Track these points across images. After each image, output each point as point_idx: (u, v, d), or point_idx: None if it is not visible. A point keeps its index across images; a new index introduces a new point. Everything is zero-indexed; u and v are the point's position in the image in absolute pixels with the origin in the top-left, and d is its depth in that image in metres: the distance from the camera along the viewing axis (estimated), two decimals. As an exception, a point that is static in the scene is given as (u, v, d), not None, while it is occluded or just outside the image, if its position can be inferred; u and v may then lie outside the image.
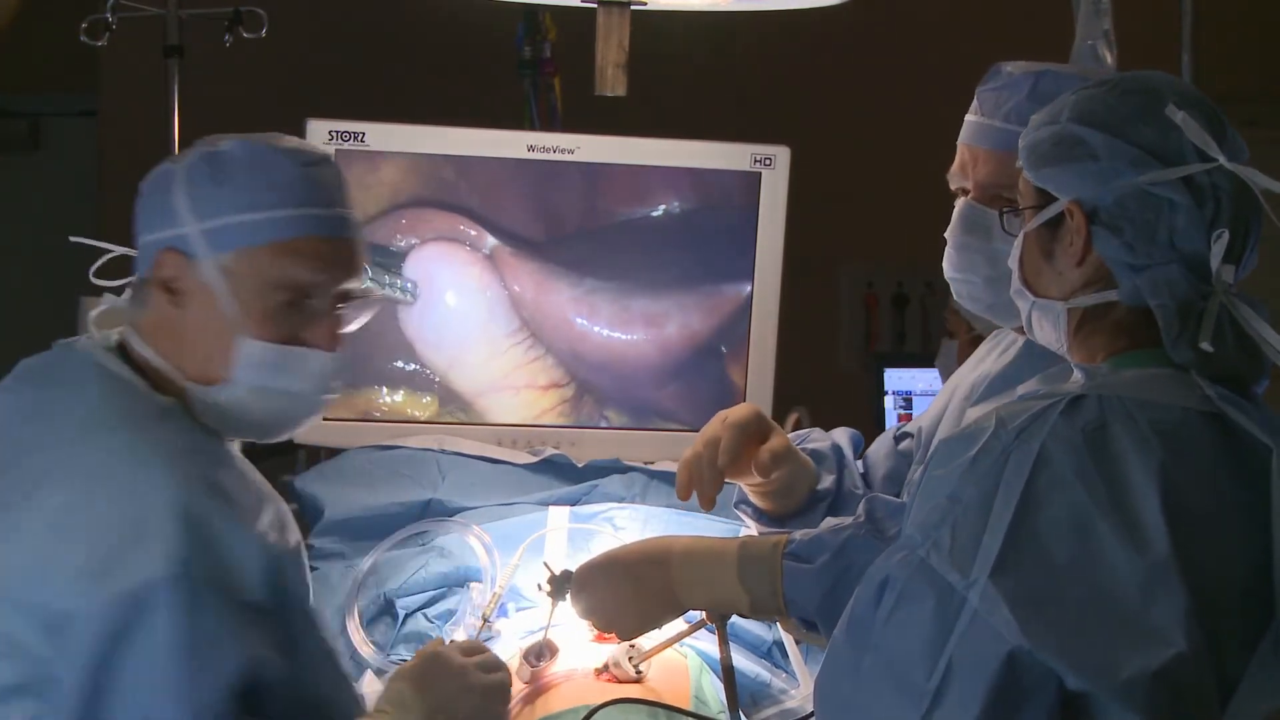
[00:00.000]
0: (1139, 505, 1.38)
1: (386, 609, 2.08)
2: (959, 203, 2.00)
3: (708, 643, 1.94)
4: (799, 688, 1.94)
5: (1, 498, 1.58)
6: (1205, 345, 1.46)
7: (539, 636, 1.89)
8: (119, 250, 1.80)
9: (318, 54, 5.58)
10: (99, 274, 1.81)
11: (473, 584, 2.09)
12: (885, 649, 1.42)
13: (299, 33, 4.91)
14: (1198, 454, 1.44)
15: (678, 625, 1.88)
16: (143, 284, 1.72)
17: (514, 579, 2.08)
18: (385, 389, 2.50)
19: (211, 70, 4.21)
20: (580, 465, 2.37)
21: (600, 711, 1.73)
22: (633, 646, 1.87)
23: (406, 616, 2.06)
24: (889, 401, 4.66)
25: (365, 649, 2.02)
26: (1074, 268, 1.56)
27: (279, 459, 3.26)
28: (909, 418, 4.60)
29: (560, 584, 1.88)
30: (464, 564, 2.12)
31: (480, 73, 4.61)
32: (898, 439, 2.21)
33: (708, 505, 2.01)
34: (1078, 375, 1.59)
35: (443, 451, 2.37)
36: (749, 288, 2.55)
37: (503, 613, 2.05)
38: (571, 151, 2.49)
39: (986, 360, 2.09)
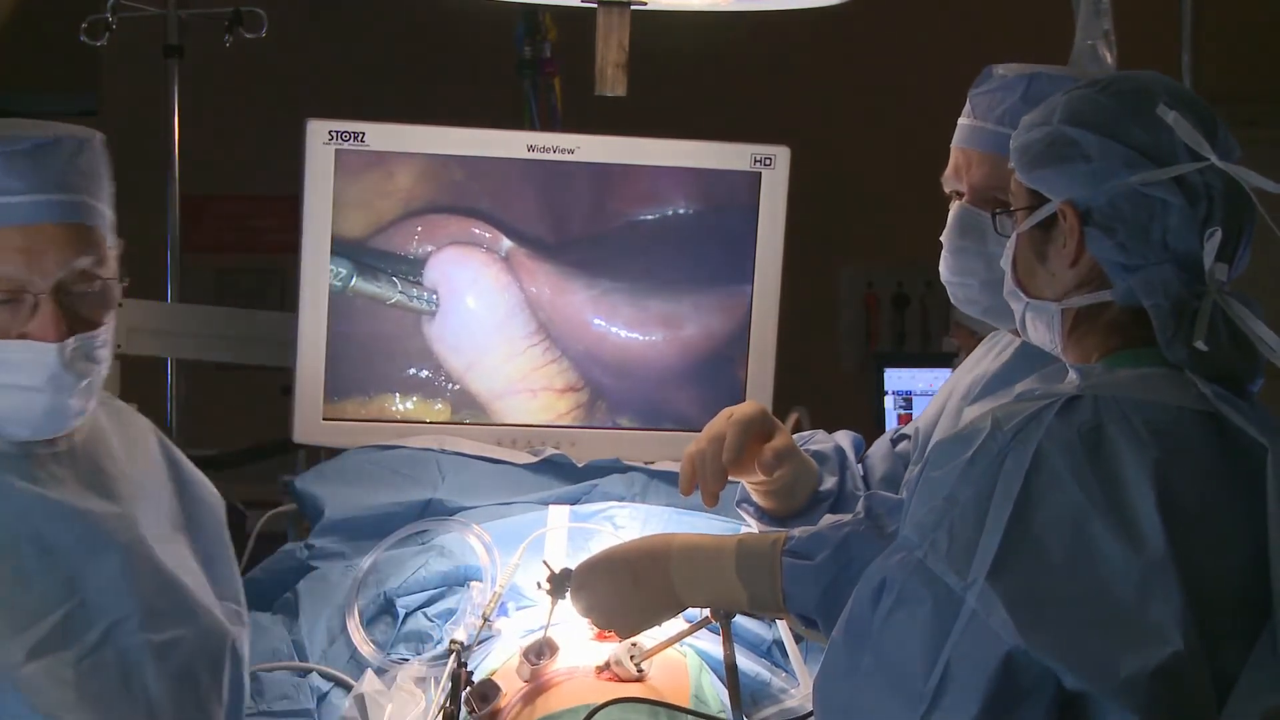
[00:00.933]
0: (1135, 505, 1.39)
1: (386, 608, 2.08)
2: (954, 206, 2.00)
3: (707, 642, 1.94)
4: (799, 687, 1.94)
5: None
6: (1200, 344, 1.47)
7: (539, 635, 1.89)
8: None
9: (318, 54, 5.58)
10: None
11: (473, 583, 2.09)
12: (883, 650, 1.42)
13: (299, 33, 4.91)
14: (1193, 453, 1.44)
15: (679, 623, 1.88)
16: None
17: (514, 578, 2.08)
18: (398, 396, 2.50)
19: (211, 70, 4.21)
20: (580, 465, 2.37)
21: (601, 710, 1.73)
22: (634, 645, 1.87)
23: (407, 615, 2.07)
24: (889, 401, 4.66)
25: (365, 648, 2.02)
26: (1067, 268, 1.56)
27: (279, 459, 3.27)
28: (909, 418, 4.60)
29: (560, 582, 1.88)
30: (464, 563, 2.12)
31: (480, 73, 4.62)
32: (894, 441, 2.22)
33: (711, 501, 2.02)
34: (1072, 376, 1.60)
35: (443, 451, 2.37)
36: (749, 288, 2.54)
37: (503, 612, 2.05)
38: (571, 151, 2.49)
39: (984, 361, 2.09)
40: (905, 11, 5.24)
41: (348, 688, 1.96)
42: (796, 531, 1.79)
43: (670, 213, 2.53)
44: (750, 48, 4.90)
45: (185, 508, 1.86)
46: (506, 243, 2.49)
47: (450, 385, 2.51)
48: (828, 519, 1.81)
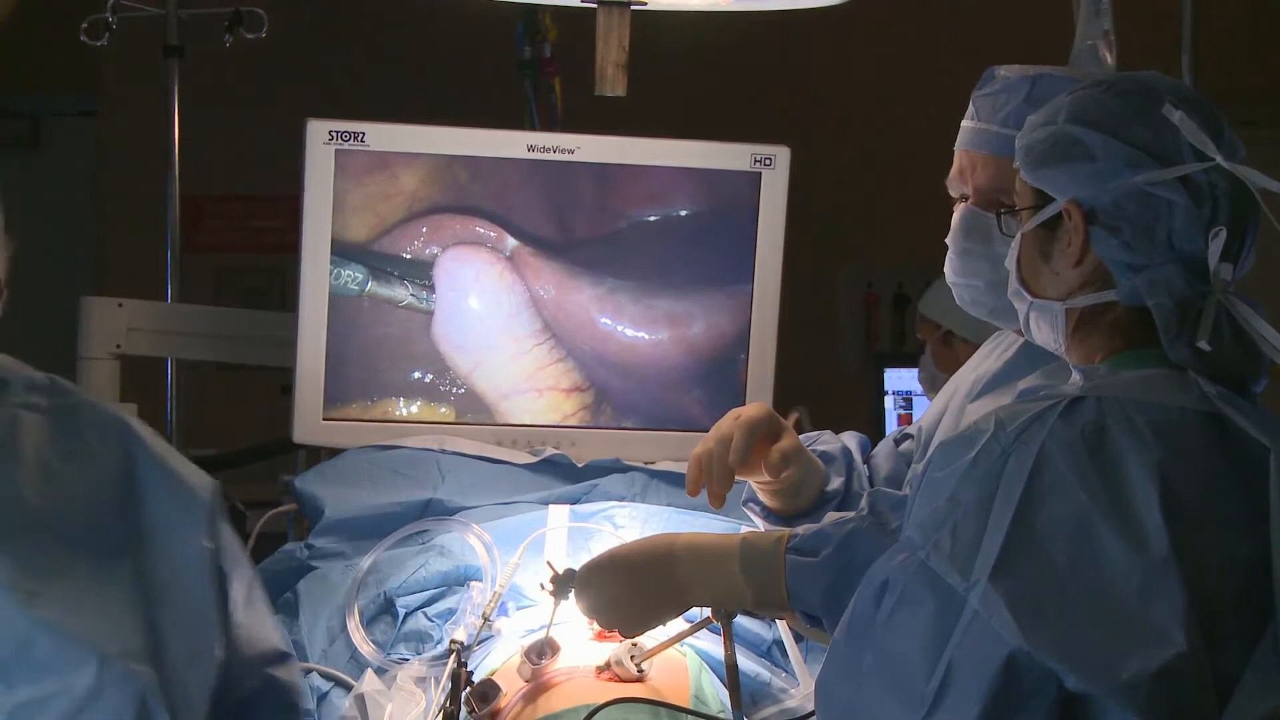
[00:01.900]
0: (1138, 505, 1.39)
1: (387, 608, 2.08)
2: (958, 208, 2.00)
3: (708, 642, 1.94)
4: (799, 687, 1.94)
5: None
6: (1203, 344, 1.47)
7: (540, 635, 1.89)
8: None
9: (318, 54, 5.59)
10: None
11: (473, 583, 2.09)
12: (885, 651, 1.42)
13: (299, 33, 4.91)
14: (1196, 454, 1.44)
15: (680, 624, 1.88)
16: None
17: (514, 578, 2.08)
18: (402, 400, 2.50)
19: (211, 70, 4.22)
20: (580, 465, 2.37)
21: (602, 710, 1.73)
22: (634, 645, 1.87)
23: (407, 615, 2.06)
24: (889, 401, 4.67)
25: (365, 648, 2.02)
26: (1072, 268, 1.56)
27: (279, 459, 3.28)
28: (909, 418, 4.61)
29: (563, 583, 1.88)
30: (464, 563, 2.12)
31: (480, 73, 4.62)
32: (898, 441, 2.22)
33: (717, 502, 2.02)
34: (1076, 376, 1.60)
35: (443, 451, 2.37)
36: (749, 288, 2.55)
37: (503, 611, 2.05)
38: (572, 151, 2.49)
39: (988, 360, 2.09)
40: (905, 12, 5.25)
41: (348, 687, 1.96)
42: (800, 529, 1.79)
43: (670, 213, 2.53)
44: (750, 48, 4.91)
45: (137, 526, 1.62)
46: (511, 242, 2.50)
47: (454, 389, 2.51)
48: (831, 516, 1.81)
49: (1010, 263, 1.65)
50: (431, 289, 2.47)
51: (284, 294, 5.46)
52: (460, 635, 1.96)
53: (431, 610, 2.07)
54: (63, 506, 1.59)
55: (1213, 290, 1.49)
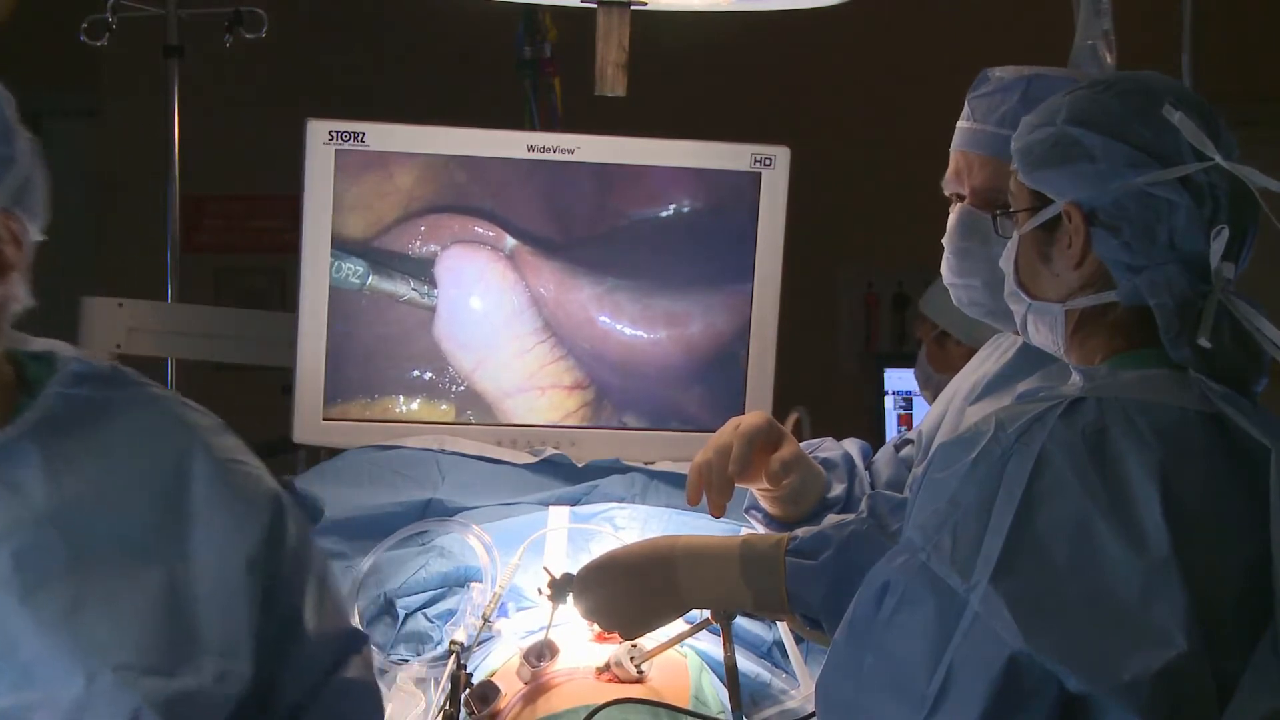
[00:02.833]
0: (1139, 506, 1.39)
1: (387, 609, 2.08)
2: (955, 208, 2.01)
3: (708, 642, 1.94)
4: (799, 688, 1.94)
5: None
6: (1204, 342, 1.47)
7: (540, 636, 1.89)
8: None
9: (318, 54, 5.59)
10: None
11: (473, 584, 2.09)
12: (886, 652, 1.42)
13: (299, 33, 4.91)
14: (1197, 454, 1.44)
15: (680, 624, 1.88)
16: None
17: (514, 579, 2.08)
18: (402, 398, 2.50)
19: (211, 70, 4.22)
20: (580, 465, 2.37)
21: (601, 711, 1.73)
22: (634, 646, 1.87)
23: (407, 616, 2.06)
24: (889, 401, 4.67)
25: (365, 649, 2.02)
26: (1071, 270, 1.56)
27: (279, 459, 3.27)
28: (909, 418, 4.61)
29: (560, 587, 1.88)
30: (464, 564, 2.12)
31: (480, 73, 4.61)
32: (898, 446, 2.23)
33: (718, 512, 2.02)
34: (1076, 377, 1.60)
35: (442, 451, 2.37)
36: (749, 288, 2.55)
37: (503, 612, 2.05)
38: (572, 151, 2.49)
39: (987, 363, 2.09)
40: (905, 12, 5.24)
41: (348, 688, 1.96)
42: (800, 532, 1.79)
43: (670, 213, 2.54)
44: (750, 48, 4.91)
45: (181, 530, 1.55)
46: (511, 241, 2.50)
47: (455, 387, 2.51)
48: (831, 519, 1.82)
49: (1007, 264, 1.65)
50: (433, 284, 2.47)
51: (284, 294, 5.46)
52: (460, 636, 1.96)
53: (431, 611, 2.07)
54: (82, 504, 1.51)
55: (1214, 290, 1.49)
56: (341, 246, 2.43)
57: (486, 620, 2.00)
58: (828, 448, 2.20)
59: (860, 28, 4.47)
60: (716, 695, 1.86)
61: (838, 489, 2.12)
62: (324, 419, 2.47)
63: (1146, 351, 1.53)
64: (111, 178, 5.80)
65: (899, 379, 4.71)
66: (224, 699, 1.52)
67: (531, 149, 2.49)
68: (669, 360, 2.56)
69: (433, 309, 2.47)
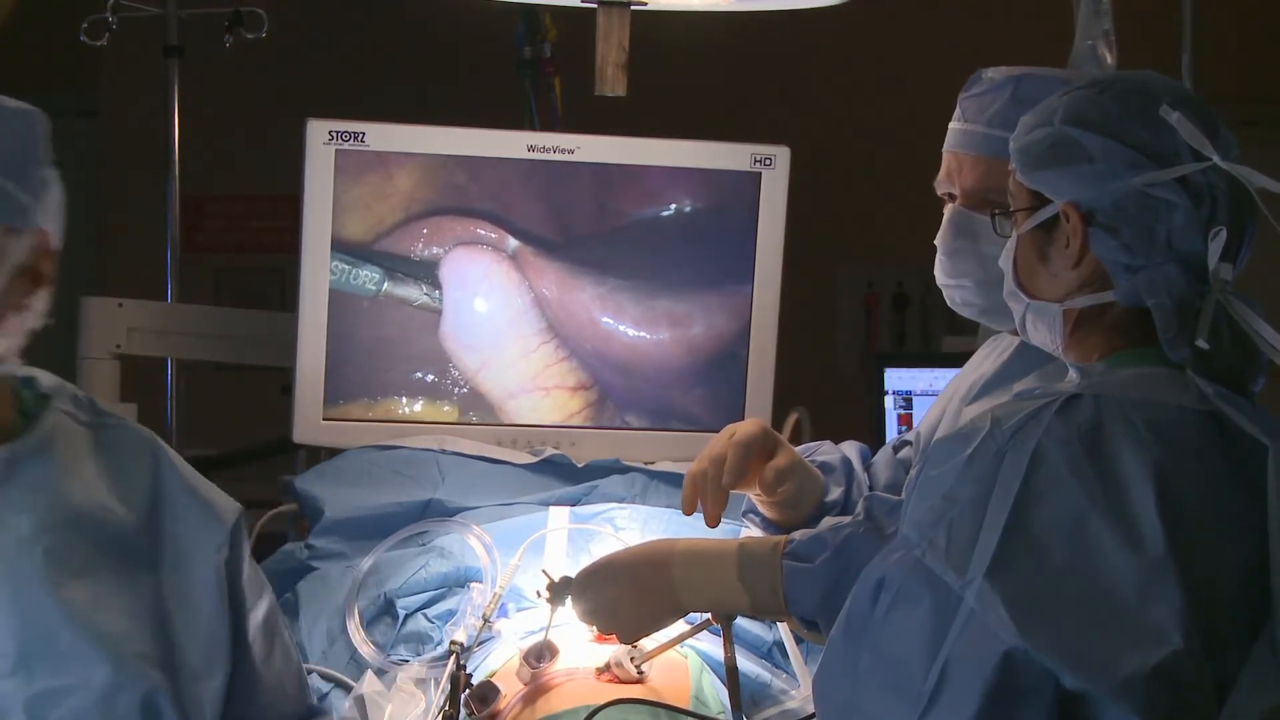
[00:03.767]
0: (1135, 504, 1.39)
1: (387, 609, 2.08)
2: (947, 209, 2.01)
3: (708, 643, 1.94)
4: (799, 688, 1.94)
5: None
6: (1202, 342, 1.47)
7: (539, 637, 1.89)
8: None
9: (318, 54, 5.59)
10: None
11: (473, 584, 2.09)
12: (882, 649, 1.42)
13: (299, 33, 4.92)
14: (1193, 452, 1.44)
15: (680, 625, 1.88)
16: None
17: (514, 579, 2.08)
18: (405, 399, 2.50)
19: (211, 70, 4.21)
20: (580, 465, 2.37)
21: (601, 711, 1.73)
22: (634, 646, 1.87)
23: (407, 616, 2.06)
24: (889, 401, 4.66)
25: (365, 649, 2.02)
26: (1070, 269, 1.56)
27: (279, 459, 3.28)
28: (909, 418, 4.60)
29: (559, 590, 1.88)
30: (464, 564, 2.12)
31: (480, 73, 4.61)
32: (896, 448, 2.23)
33: (712, 523, 2.01)
34: (1073, 375, 1.60)
35: (442, 451, 2.37)
36: (749, 288, 2.55)
37: (503, 613, 2.05)
38: (572, 151, 2.49)
39: (985, 363, 2.10)
40: (905, 12, 5.25)
41: (348, 689, 1.96)
42: (797, 535, 1.79)
43: (671, 213, 2.54)
44: (750, 48, 4.91)
45: (161, 543, 1.69)
46: (513, 241, 2.50)
47: (458, 388, 2.51)
48: (828, 521, 1.82)
49: (1006, 264, 1.65)
50: (438, 286, 2.47)
51: (284, 294, 5.46)
52: (460, 636, 1.96)
53: (431, 611, 2.07)
54: (94, 514, 1.65)
55: (1212, 290, 1.49)
56: (344, 249, 2.43)
57: (486, 620, 2.00)
58: (825, 451, 2.20)
59: (860, 28, 4.47)
60: (717, 695, 1.86)
61: (835, 493, 2.11)
62: (324, 419, 2.47)
63: (1144, 350, 1.53)
64: (111, 178, 5.80)
65: (899, 379, 4.70)
66: (213, 693, 1.67)
67: (531, 149, 2.49)
68: (669, 361, 2.56)
69: (440, 311, 2.48)
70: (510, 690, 1.85)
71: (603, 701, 1.74)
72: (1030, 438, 1.44)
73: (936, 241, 2.01)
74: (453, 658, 1.91)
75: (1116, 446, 1.42)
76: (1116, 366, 1.54)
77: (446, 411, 2.50)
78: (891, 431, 4.55)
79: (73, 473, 1.66)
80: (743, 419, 2.55)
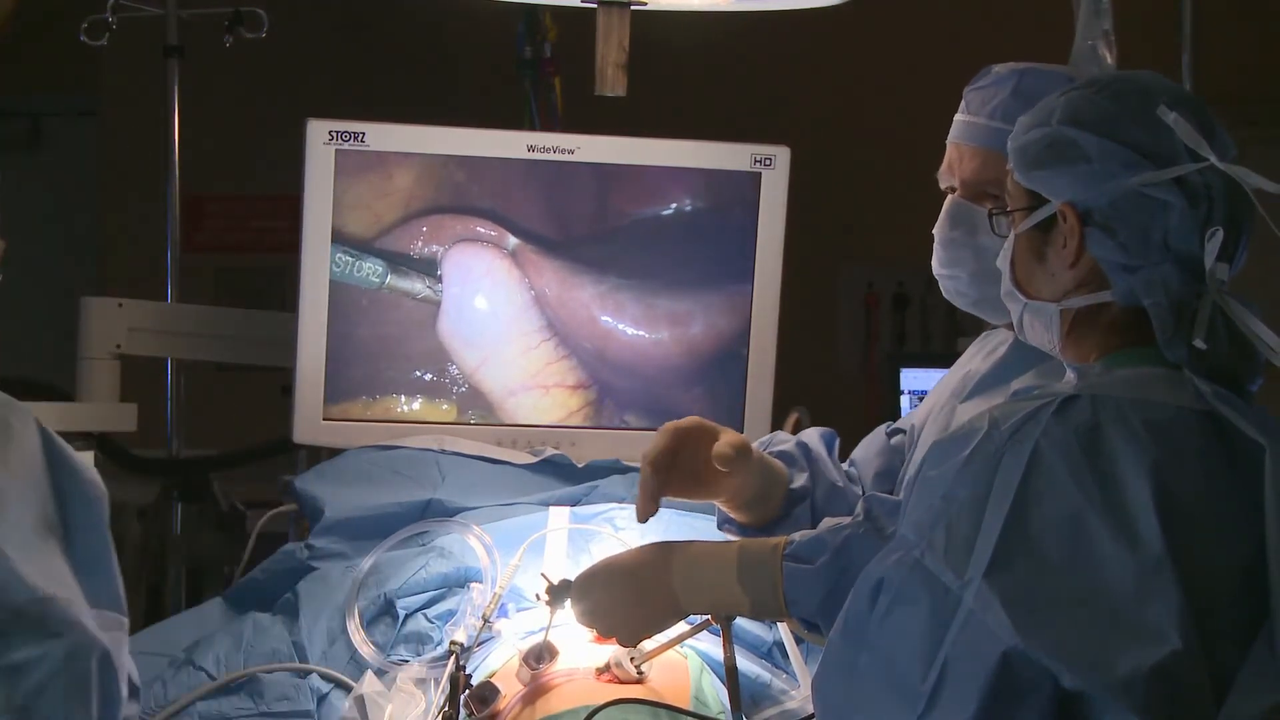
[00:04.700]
0: (1132, 504, 1.39)
1: (387, 609, 2.08)
2: (947, 200, 2.01)
3: (708, 643, 1.94)
4: (799, 688, 1.94)
5: None
6: (1199, 343, 1.47)
7: (539, 638, 1.89)
8: None
9: (318, 54, 5.59)
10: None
11: (473, 584, 2.09)
12: (881, 649, 1.42)
13: (299, 33, 4.91)
14: (1191, 452, 1.44)
15: (680, 626, 1.88)
16: None
17: (515, 579, 2.08)
18: (403, 398, 2.50)
19: (211, 70, 4.21)
20: (580, 465, 2.37)
21: (601, 711, 1.73)
22: (634, 647, 1.87)
23: (407, 617, 2.06)
24: (905, 401, 4.66)
25: (365, 649, 2.02)
26: (1067, 269, 1.56)
27: (279, 459, 3.27)
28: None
29: (558, 593, 1.88)
30: (464, 564, 2.12)
31: (480, 73, 4.61)
32: (890, 434, 2.20)
33: (639, 516, 1.95)
34: (1070, 375, 1.60)
35: (443, 452, 2.37)
36: (749, 288, 2.55)
37: (503, 613, 2.05)
38: (572, 151, 2.49)
39: (976, 358, 2.09)
40: (905, 11, 5.24)
41: (348, 689, 1.96)
42: (796, 536, 1.79)
43: (671, 212, 2.54)
44: (750, 48, 4.91)
45: (64, 509, 1.75)
46: (513, 240, 2.50)
47: (457, 386, 2.51)
48: (827, 522, 1.81)
49: (1004, 264, 1.65)
50: (440, 280, 2.47)
51: (284, 294, 5.46)
52: (460, 637, 1.96)
53: (431, 612, 2.07)
54: (14, 486, 1.70)
55: (1208, 290, 1.49)
56: (353, 244, 2.43)
57: (486, 621, 2.00)
58: (780, 441, 2.16)
59: (860, 28, 4.47)
60: (717, 696, 1.86)
61: (800, 479, 2.08)
62: (324, 419, 2.47)
63: (1141, 349, 1.53)
64: (111, 178, 5.80)
65: (914, 379, 4.71)
66: (119, 644, 1.74)
67: (531, 149, 2.49)
68: (670, 361, 2.56)
69: (441, 305, 2.48)
70: (510, 691, 1.85)
71: (602, 702, 1.74)
72: (1028, 438, 1.44)
73: (934, 231, 2.01)
74: (452, 658, 1.91)
75: (1114, 447, 1.42)
76: (1114, 366, 1.54)
77: (445, 410, 2.50)
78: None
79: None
80: (743, 418, 2.56)
